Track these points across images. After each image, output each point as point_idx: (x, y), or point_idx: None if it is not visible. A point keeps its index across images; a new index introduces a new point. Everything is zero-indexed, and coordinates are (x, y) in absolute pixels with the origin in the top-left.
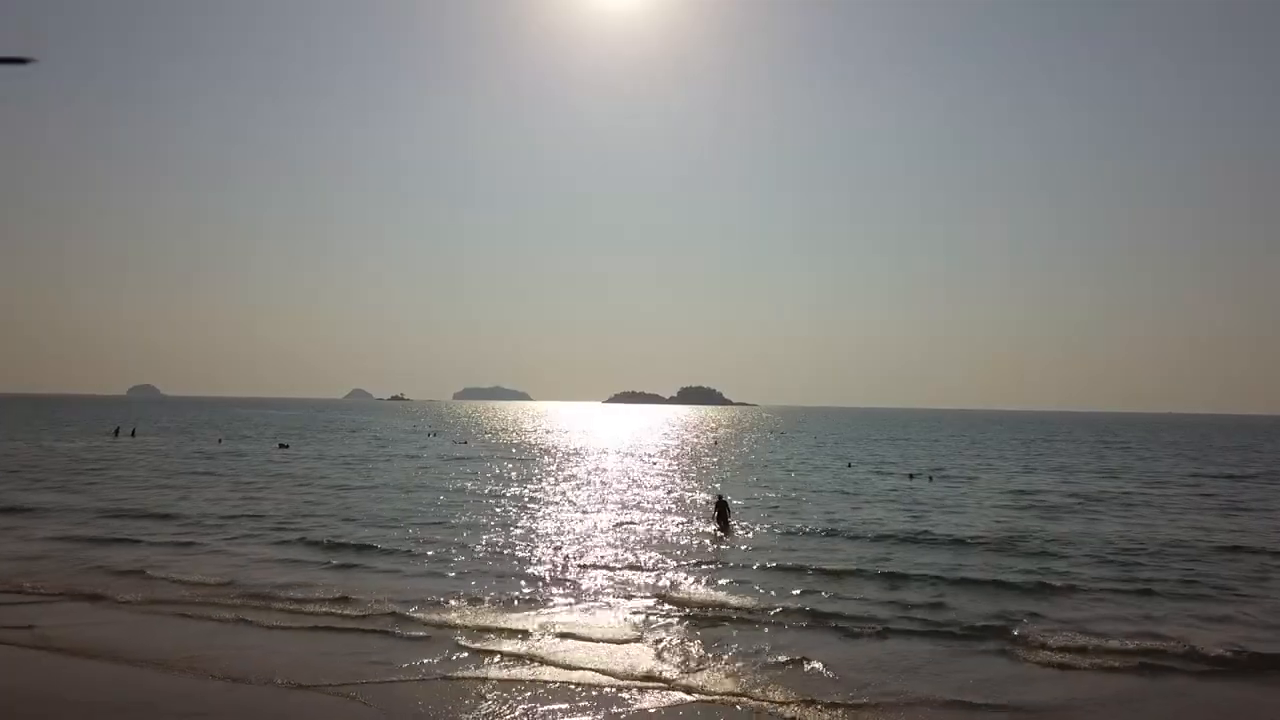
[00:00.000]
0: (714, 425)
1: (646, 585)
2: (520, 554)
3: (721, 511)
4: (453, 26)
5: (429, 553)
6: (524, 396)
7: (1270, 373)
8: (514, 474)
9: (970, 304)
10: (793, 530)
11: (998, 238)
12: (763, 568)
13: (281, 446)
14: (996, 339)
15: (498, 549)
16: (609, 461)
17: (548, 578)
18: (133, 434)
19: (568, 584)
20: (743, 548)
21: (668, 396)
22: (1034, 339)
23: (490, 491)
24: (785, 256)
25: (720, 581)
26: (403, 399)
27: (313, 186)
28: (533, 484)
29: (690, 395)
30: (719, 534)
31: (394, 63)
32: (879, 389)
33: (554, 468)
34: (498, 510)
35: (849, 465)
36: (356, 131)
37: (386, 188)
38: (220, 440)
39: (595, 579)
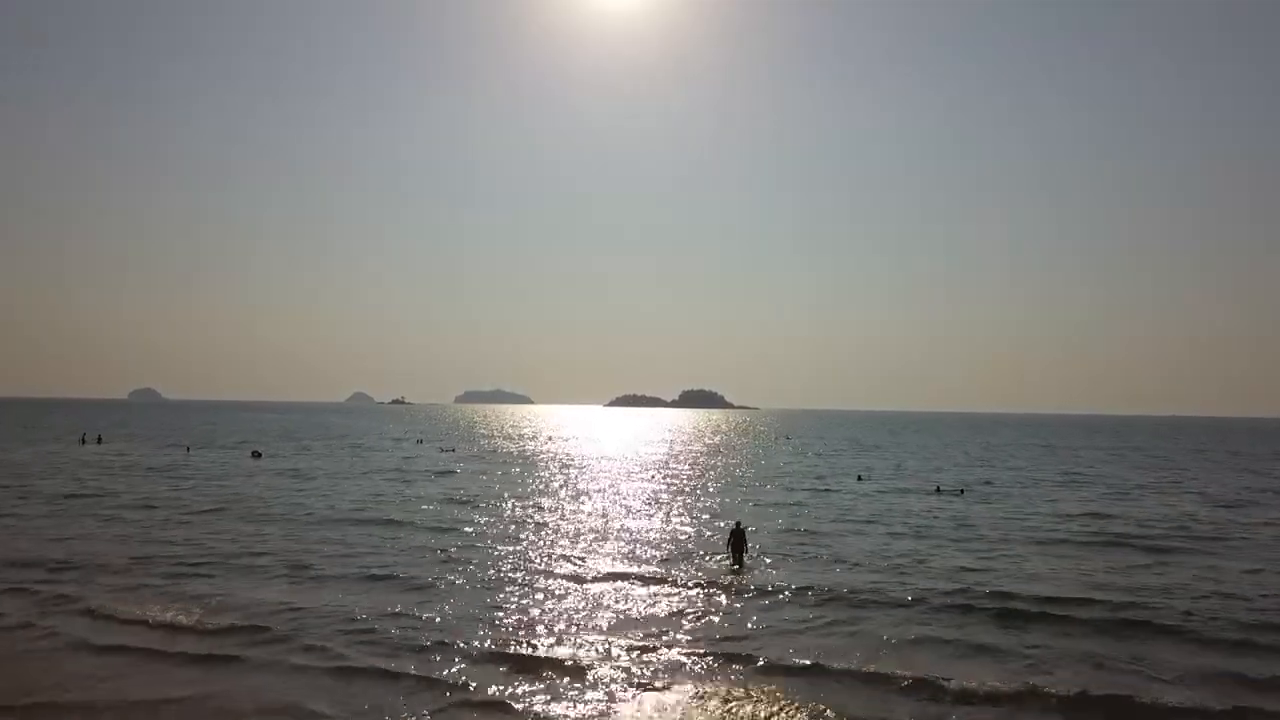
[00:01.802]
0: (716, 430)
1: (655, 667)
2: (481, 617)
3: (737, 541)
4: (453, 26)
5: (329, 646)
6: (525, 399)
7: (1271, 373)
8: (493, 493)
9: (970, 304)
10: (821, 573)
11: (998, 238)
12: (792, 640)
13: (254, 455)
14: (996, 339)
15: (444, 616)
16: (605, 476)
17: (524, 655)
18: (99, 441)
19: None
20: (764, 603)
21: (669, 400)
22: (1034, 339)
23: (453, 522)
24: (785, 256)
25: (739, 654)
26: (403, 402)
27: (313, 186)
28: (512, 506)
29: (692, 398)
30: (734, 568)
31: (394, 63)
32: (879, 390)
33: (543, 484)
34: (455, 549)
35: (859, 478)
36: (356, 131)
37: (386, 188)
38: (189, 449)
39: (580, 644)
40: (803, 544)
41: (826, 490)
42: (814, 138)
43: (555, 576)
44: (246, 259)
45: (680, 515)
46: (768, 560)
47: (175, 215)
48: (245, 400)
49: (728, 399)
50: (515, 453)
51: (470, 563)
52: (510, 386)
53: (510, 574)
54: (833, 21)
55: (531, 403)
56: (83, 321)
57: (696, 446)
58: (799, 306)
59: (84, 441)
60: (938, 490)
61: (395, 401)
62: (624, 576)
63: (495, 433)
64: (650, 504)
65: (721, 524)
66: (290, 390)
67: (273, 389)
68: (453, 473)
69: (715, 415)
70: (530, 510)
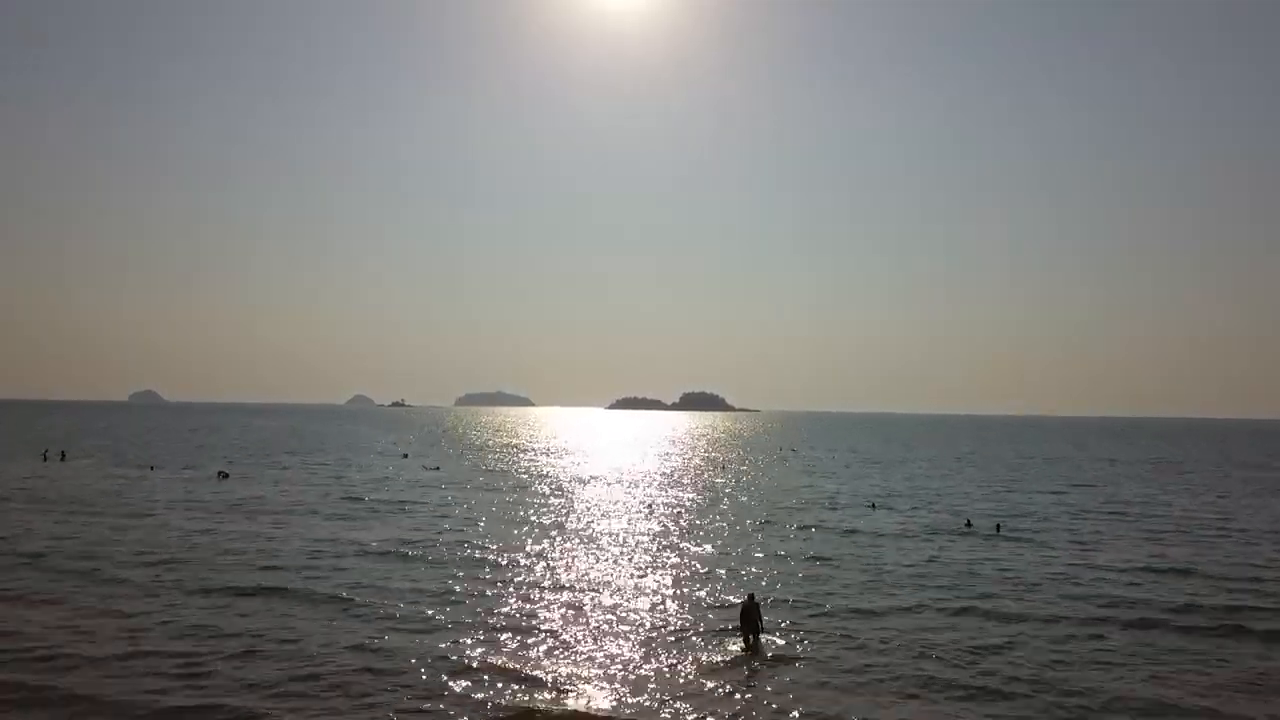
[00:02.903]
0: (717, 440)
1: None
2: None
3: (749, 615)
4: (453, 26)
5: None
6: (526, 402)
7: (1271, 374)
8: (457, 538)
9: (970, 304)
10: (865, 690)
11: (998, 237)
12: None
13: (221, 476)
14: (996, 339)
15: None
16: (597, 508)
17: None
18: (62, 457)
19: None
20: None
21: (669, 403)
22: (1034, 339)
23: (377, 587)
24: (785, 256)
25: None
26: (403, 405)
27: (313, 186)
28: (469, 561)
29: (692, 401)
30: (745, 649)
31: (394, 63)
32: (879, 391)
33: (523, 521)
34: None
35: (873, 506)
36: (356, 131)
37: (386, 188)
38: (151, 468)
39: None
40: (831, 628)
41: (846, 530)
42: (814, 138)
43: (504, 678)
44: (246, 259)
45: (681, 571)
46: (797, 656)
47: (175, 215)
48: (246, 402)
49: (728, 401)
50: (504, 471)
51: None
52: (511, 388)
53: (431, 677)
54: (833, 21)
55: (532, 405)
56: (83, 322)
57: (697, 461)
58: (799, 307)
59: (45, 458)
60: (968, 524)
61: (395, 404)
62: (607, 668)
63: (489, 443)
64: (647, 553)
65: (725, 570)
66: (291, 392)
67: (274, 390)
68: (423, 505)
69: (716, 419)
70: (493, 566)
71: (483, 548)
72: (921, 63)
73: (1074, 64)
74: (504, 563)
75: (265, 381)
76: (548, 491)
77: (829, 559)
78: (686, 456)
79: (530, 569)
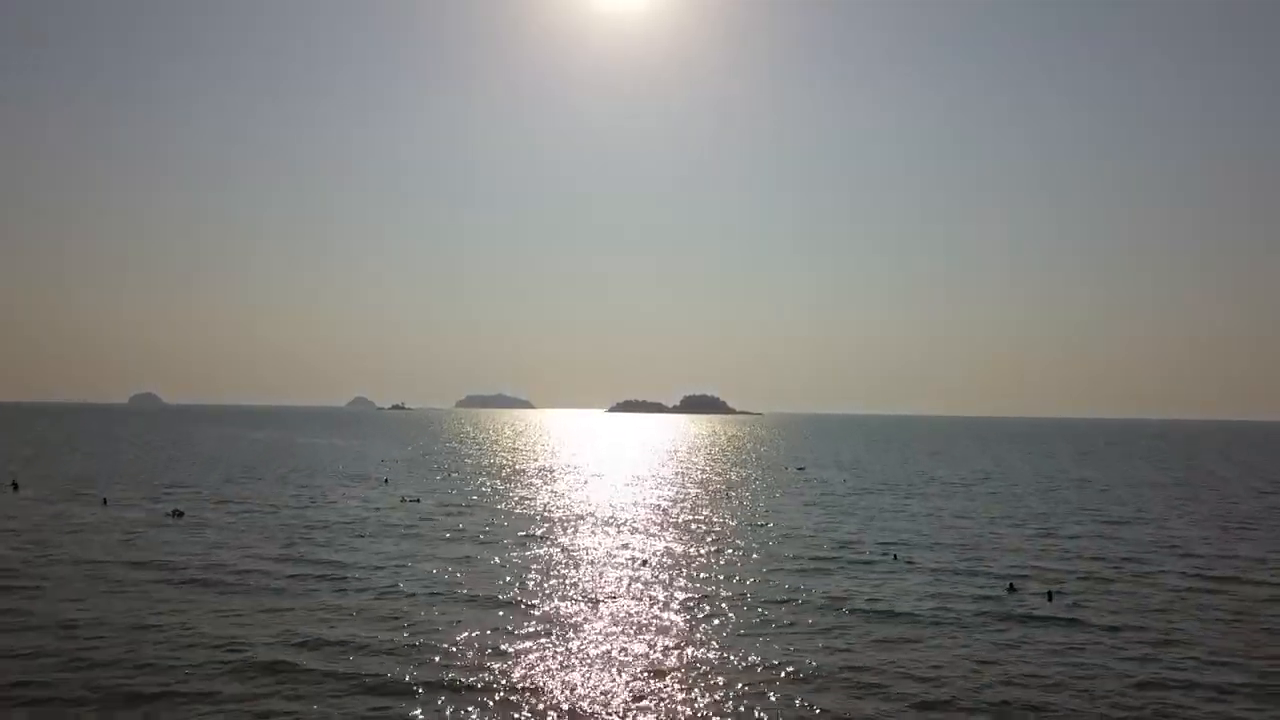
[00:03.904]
0: (719, 451)
1: None
2: None
3: None
4: (453, 26)
5: None
6: (527, 404)
7: (1272, 375)
8: (399, 621)
9: (970, 304)
10: None
11: (998, 238)
12: None
13: (175, 515)
14: (997, 340)
15: None
16: (585, 570)
17: None
18: (15, 487)
19: None
20: None
21: (670, 406)
22: (1034, 339)
23: None
24: (785, 257)
25: None
26: (403, 408)
27: (313, 186)
28: (395, 663)
29: (693, 404)
30: None
31: (394, 63)
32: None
33: (489, 589)
34: None
35: (895, 558)
36: (356, 131)
37: (386, 188)
38: (105, 501)
39: None
40: None
41: (878, 612)
42: (814, 138)
43: None
44: (246, 259)
45: (679, 690)
46: None
47: (175, 215)
48: (246, 405)
49: (729, 404)
50: (487, 507)
51: None
52: (511, 390)
53: None
54: (833, 21)
55: (532, 407)
56: (83, 323)
57: (695, 491)
58: (799, 307)
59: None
60: (1010, 589)
61: (395, 407)
62: None
63: (482, 460)
64: (637, 658)
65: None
66: (292, 393)
67: (274, 392)
68: (373, 570)
69: (717, 423)
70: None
71: (404, 653)
72: (922, 63)
73: (1074, 64)
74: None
75: (266, 383)
76: (540, 531)
77: (860, 672)
78: (685, 485)
79: (462, 654)
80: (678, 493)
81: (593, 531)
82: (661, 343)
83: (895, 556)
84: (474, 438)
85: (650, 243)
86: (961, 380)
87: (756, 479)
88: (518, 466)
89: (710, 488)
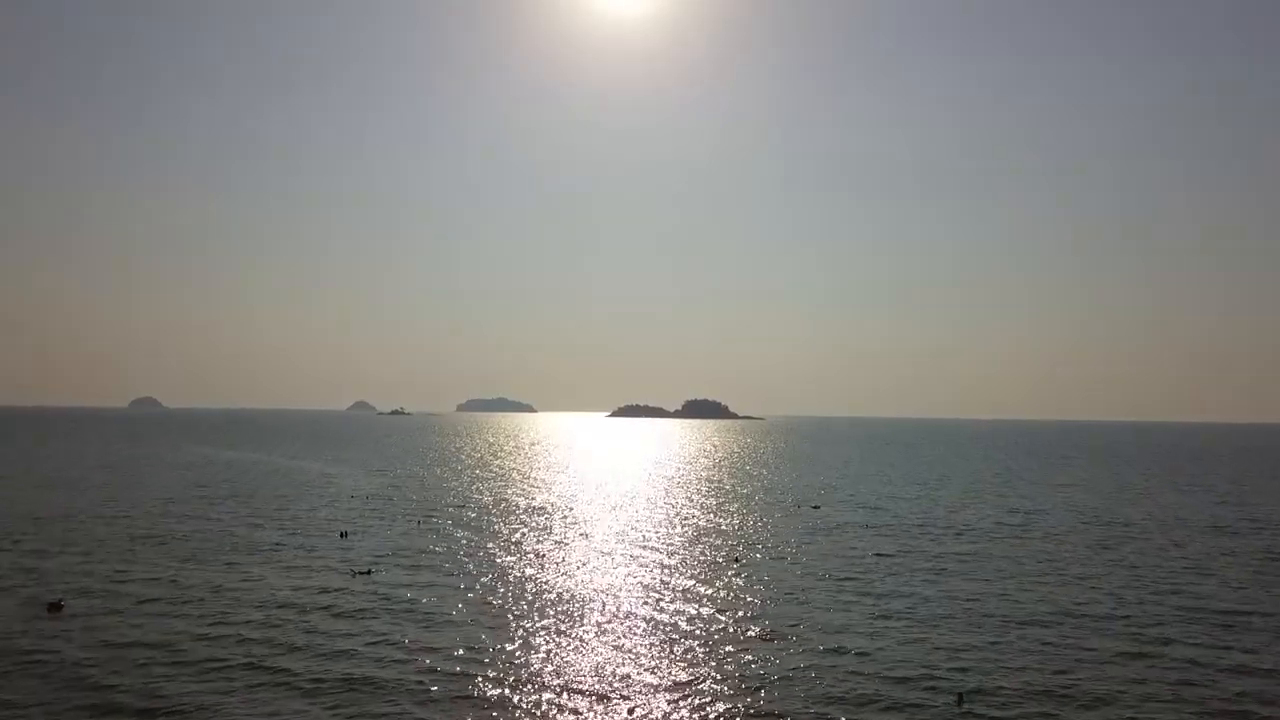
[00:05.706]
0: (721, 467)
1: None
2: None
3: None
4: (453, 26)
5: None
6: (528, 408)
7: (1272, 376)
8: None
9: (971, 305)
10: None
11: (1002, 240)
12: None
13: (52, 609)
14: (998, 340)
15: None
16: (571, 628)
17: None
18: None
19: None
20: None
21: (672, 410)
22: (1035, 340)
23: None
24: (788, 261)
25: None
26: (403, 413)
27: (313, 186)
28: None
29: (695, 408)
30: None
31: (394, 61)
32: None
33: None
34: None
35: (960, 700)
36: (357, 131)
37: (389, 191)
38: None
39: None
40: None
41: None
42: (815, 138)
43: None
44: (246, 260)
45: None
46: None
47: (175, 215)
48: (247, 408)
49: (731, 409)
50: (459, 563)
51: None
52: (513, 395)
53: None
54: (833, 21)
55: (534, 411)
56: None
57: (698, 521)
58: (801, 311)
59: None
60: None
61: (395, 412)
62: None
63: (477, 471)
64: None
65: None
66: (293, 397)
67: (275, 396)
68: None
69: (719, 431)
70: None
71: None
72: (926, 66)
73: (1075, 64)
74: None
75: (266, 387)
76: (528, 573)
77: None
78: (686, 497)
79: None
80: (679, 542)
81: (585, 577)
82: (663, 346)
83: (961, 698)
84: (471, 442)
85: (651, 245)
86: (962, 382)
87: (764, 533)
88: (499, 500)
89: (714, 546)
